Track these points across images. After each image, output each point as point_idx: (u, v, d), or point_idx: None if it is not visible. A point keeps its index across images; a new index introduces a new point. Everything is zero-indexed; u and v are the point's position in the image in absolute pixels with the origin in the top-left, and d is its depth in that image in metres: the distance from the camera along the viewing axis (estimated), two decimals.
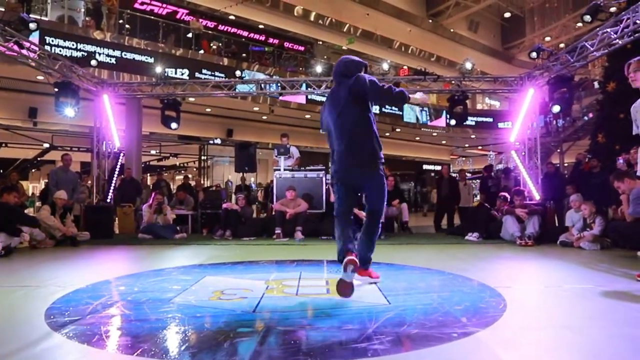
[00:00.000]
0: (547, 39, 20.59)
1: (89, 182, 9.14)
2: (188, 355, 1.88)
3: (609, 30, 6.43)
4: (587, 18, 6.38)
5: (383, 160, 3.08)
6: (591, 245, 5.62)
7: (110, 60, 11.63)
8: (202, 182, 14.79)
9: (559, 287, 3.40)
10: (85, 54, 10.20)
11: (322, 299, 2.91)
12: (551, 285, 3.54)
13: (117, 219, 8.84)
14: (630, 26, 6.02)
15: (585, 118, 14.32)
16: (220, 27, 18.17)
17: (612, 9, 6.93)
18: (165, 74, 9.85)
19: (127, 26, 13.23)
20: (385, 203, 3.24)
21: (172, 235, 7.52)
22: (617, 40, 6.39)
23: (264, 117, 17.02)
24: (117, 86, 9.25)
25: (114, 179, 8.82)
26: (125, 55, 11.93)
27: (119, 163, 9.05)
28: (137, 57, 12.13)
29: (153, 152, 17.38)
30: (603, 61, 10.53)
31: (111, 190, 8.70)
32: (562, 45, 18.93)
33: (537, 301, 2.99)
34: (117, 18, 12.97)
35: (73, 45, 11.01)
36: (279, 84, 9.51)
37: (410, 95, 3.08)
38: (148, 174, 17.24)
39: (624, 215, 5.17)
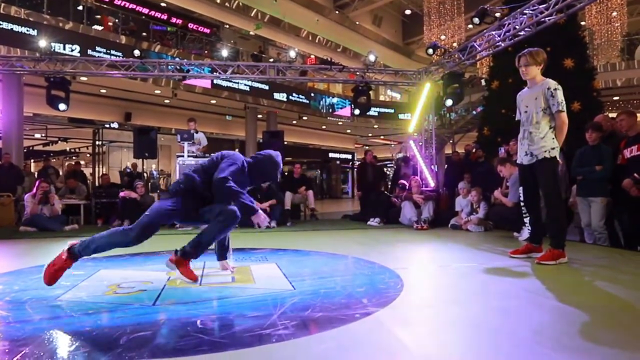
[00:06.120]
0: (443, 37, 22.03)
1: None
2: (80, 355, 1.74)
3: (493, 33, 7.08)
4: (476, 20, 6.96)
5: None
6: (477, 228, 6.22)
7: None
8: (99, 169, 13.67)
9: (449, 267, 3.73)
10: None
11: (226, 288, 2.87)
12: (442, 265, 3.88)
13: None
14: (511, 30, 6.70)
15: (474, 112, 15.68)
16: (117, 2, 16.79)
17: (497, 14, 7.62)
18: (52, 49, 8.85)
19: None
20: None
21: (61, 227, 6.88)
22: (500, 42, 7.07)
23: (167, 101, 16.16)
24: None
25: None
26: (0, 24, 10.53)
27: None
28: (17, 28, 10.78)
29: (38, 135, 15.66)
30: (490, 61, 11.53)
31: None
32: (455, 44, 20.40)
33: (430, 280, 3.25)
34: None
35: None
36: (182, 67, 9.07)
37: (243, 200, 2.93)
38: (32, 160, 15.53)
39: (500, 196, 5.87)
